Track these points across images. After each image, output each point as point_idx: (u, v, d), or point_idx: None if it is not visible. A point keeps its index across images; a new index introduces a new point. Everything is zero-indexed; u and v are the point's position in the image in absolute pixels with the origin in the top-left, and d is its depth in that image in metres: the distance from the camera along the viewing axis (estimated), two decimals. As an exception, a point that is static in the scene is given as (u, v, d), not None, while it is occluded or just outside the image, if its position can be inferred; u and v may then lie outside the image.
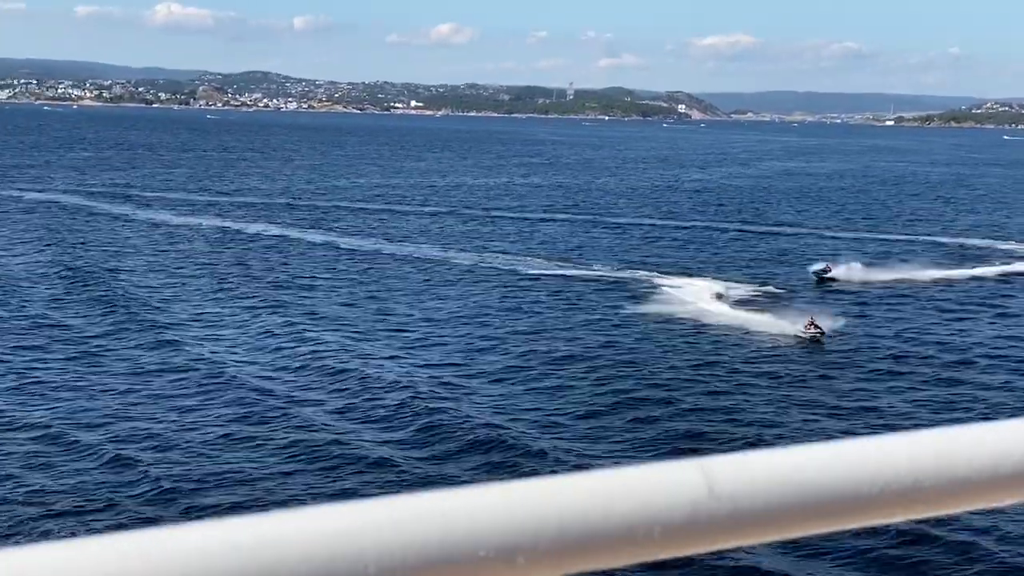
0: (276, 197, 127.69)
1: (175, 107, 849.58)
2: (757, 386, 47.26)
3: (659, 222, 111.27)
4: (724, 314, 61.87)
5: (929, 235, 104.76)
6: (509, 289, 70.15)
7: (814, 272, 76.84)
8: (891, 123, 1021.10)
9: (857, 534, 27.66)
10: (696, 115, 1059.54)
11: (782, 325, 57.65)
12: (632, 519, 1.39)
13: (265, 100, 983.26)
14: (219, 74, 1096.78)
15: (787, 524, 1.51)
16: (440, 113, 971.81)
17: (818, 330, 56.04)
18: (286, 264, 79.30)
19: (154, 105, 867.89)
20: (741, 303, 65.81)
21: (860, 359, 52.67)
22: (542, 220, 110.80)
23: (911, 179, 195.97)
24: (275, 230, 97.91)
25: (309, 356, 50.77)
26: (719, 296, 67.44)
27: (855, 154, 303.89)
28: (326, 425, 40.12)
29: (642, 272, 77.41)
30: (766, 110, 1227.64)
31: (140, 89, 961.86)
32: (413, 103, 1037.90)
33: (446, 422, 40.59)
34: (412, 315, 61.47)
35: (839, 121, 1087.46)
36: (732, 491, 1.46)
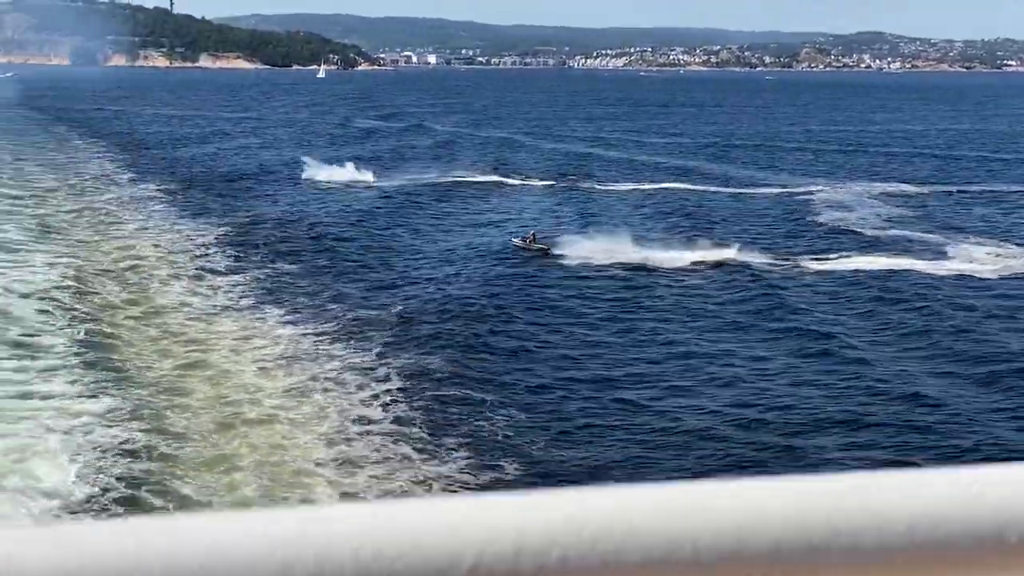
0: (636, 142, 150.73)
1: (764, 69, 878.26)
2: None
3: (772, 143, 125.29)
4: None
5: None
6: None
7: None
8: None
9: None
10: None
11: None
12: None
13: (868, 61, 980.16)
14: (831, 35, 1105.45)
15: None
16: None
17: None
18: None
19: (757, 68, 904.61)
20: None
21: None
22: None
23: None
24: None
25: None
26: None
27: None
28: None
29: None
30: None
31: (746, 53, 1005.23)
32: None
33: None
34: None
35: None
36: None
